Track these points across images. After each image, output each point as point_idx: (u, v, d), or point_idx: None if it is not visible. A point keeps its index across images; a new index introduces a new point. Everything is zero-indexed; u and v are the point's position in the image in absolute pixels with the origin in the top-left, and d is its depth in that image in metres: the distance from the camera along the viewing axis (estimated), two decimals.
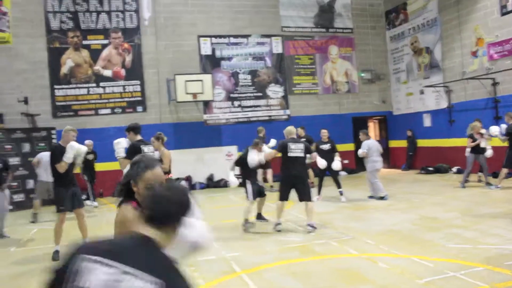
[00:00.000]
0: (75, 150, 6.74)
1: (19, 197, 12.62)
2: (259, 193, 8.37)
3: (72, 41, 14.81)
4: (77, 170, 9.06)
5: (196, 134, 15.57)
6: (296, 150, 7.73)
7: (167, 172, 7.53)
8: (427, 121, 16.02)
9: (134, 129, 6.84)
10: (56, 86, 14.67)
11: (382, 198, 10.27)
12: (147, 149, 6.63)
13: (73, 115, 14.72)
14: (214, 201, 12.35)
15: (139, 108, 15.33)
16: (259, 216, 8.61)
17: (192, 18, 15.81)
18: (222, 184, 15.19)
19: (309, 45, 16.99)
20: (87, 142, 12.00)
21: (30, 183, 12.90)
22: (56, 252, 6.73)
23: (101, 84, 15.04)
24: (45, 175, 9.52)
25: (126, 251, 1.49)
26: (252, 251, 6.58)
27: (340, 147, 12.63)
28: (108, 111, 15.06)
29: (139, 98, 15.34)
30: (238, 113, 16.20)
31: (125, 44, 15.26)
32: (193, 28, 15.81)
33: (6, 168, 8.82)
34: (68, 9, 14.77)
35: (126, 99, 15.25)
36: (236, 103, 16.19)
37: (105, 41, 15.13)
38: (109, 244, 1.56)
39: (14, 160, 12.45)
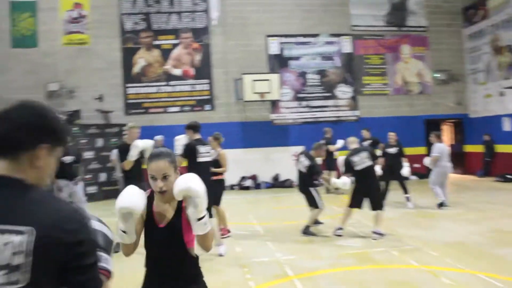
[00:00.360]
0: (139, 148, 6.89)
1: (92, 189, 13.18)
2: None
3: (144, 41, 15.30)
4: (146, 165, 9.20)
5: (263, 133, 15.56)
6: (359, 162, 7.47)
7: (220, 173, 7.53)
8: (507, 125, 15.01)
9: (193, 127, 6.85)
10: (128, 85, 15.21)
11: (441, 205, 9.71)
12: (203, 149, 6.64)
13: (144, 113, 15.18)
14: (278, 201, 12.29)
15: (207, 107, 15.55)
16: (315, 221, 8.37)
17: (260, 17, 15.81)
18: (287, 184, 15.08)
19: (379, 44, 16.47)
20: (158, 137, 12.18)
21: (103, 176, 13.52)
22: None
23: (171, 82, 15.40)
24: None
25: None
26: (308, 255, 6.42)
27: (411, 150, 12.16)
28: (177, 109, 15.39)
29: (207, 97, 15.56)
30: (306, 113, 16.01)
31: (195, 44, 15.54)
32: (261, 28, 15.80)
33: (78, 161, 9.18)
34: (141, 10, 15.28)
35: (194, 98, 15.51)
36: (304, 103, 16.00)
37: (176, 41, 15.48)
38: None
39: (88, 154, 13.08)
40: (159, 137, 12.28)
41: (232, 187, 14.99)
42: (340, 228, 7.54)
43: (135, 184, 7.00)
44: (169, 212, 2.41)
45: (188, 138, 6.84)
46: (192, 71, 15.52)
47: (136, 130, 7.25)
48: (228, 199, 12.50)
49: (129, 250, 2.43)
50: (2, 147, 1.33)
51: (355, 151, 7.66)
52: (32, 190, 1.32)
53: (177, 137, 7.14)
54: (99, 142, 13.78)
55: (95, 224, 1.54)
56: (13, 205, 1.26)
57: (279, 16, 15.93)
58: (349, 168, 7.59)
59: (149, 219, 2.44)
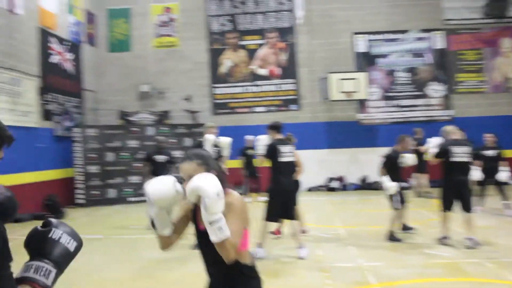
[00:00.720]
0: (211, 142, 6.96)
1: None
2: (402, 199, 7.59)
3: (231, 42, 15.52)
4: (230, 164, 9.00)
5: (349, 133, 15.16)
6: (461, 154, 6.84)
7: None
8: None
9: (275, 127, 6.80)
10: (215, 85, 15.50)
11: None
12: (284, 149, 6.56)
13: (230, 112, 15.39)
14: (365, 204, 11.92)
15: (293, 107, 15.44)
16: (405, 227, 7.88)
17: (346, 15, 15.39)
18: (375, 186, 14.56)
19: (476, 38, 15.38)
20: (248, 137, 12.22)
21: None
22: None
23: (257, 82, 15.48)
24: None
25: None
26: (393, 262, 6.08)
27: (511, 153, 11.25)
28: (263, 109, 15.44)
29: (293, 97, 15.46)
30: (395, 112, 15.38)
31: (280, 44, 15.50)
32: (348, 25, 15.39)
33: (171, 162, 9.44)
34: (227, 12, 15.51)
35: (280, 98, 15.48)
36: (393, 102, 15.39)
37: (261, 41, 15.54)
38: None
39: (177, 153, 13.46)
40: (250, 137, 12.28)
41: (318, 188, 14.78)
42: (444, 238, 6.94)
43: None
44: None
45: (270, 138, 6.79)
46: (278, 71, 15.50)
47: (213, 130, 7.34)
48: (313, 201, 12.37)
49: (163, 243, 2.39)
50: None
51: (457, 142, 7.01)
52: None
53: (259, 137, 7.11)
54: (187, 142, 14.16)
55: (57, 234, 1.48)
56: None
57: (366, 13, 15.43)
58: (444, 155, 6.93)
59: (194, 221, 2.41)
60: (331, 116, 15.36)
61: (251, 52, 15.54)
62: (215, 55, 15.55)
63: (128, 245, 7.41)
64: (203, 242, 2.30)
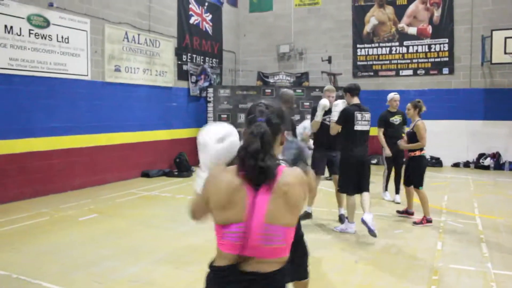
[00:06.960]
0: (322, 107, 6.33)
1: None
2: None
3: None
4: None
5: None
6: None
7: (421, 149, 6.49)
8: None
9: (350, 90, 6.00)
10: (358, 45, 14.38)
11: None
12: (360, 116, 5.78)
13: (373, 76, 14.24)
14: None
15: (445, 70, 13.69)
16: None
17: None
18: None
19: None
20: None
21: None
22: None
23: (405, 43, 13.99)
24: None
25: None
26: None
27: None
28: (409, 72, 13.98)
29: (445, 59, 13.67)
30: None
31: None
32: None
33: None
34: None
35: (431, 60, 13.82)
36: None
37: None
38: None
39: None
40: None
41: (467, 165, 13.09)
42: None
43: (322, 152, 6.56)
44: None
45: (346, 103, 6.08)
46: (429, 29, 13.77)
47: (328, 93, 6.64)
48: (454, 179, 10.95)
49: None
50: None
51: None
52: None
53: (336, 102, 6.20)
54: None
55: None
56: None
57: None
58: None
59: None
60: (490, 82, 13.28)
61: (400, 9, 13.98)
62: (360, 12, 14.34)
63: None
64: None
